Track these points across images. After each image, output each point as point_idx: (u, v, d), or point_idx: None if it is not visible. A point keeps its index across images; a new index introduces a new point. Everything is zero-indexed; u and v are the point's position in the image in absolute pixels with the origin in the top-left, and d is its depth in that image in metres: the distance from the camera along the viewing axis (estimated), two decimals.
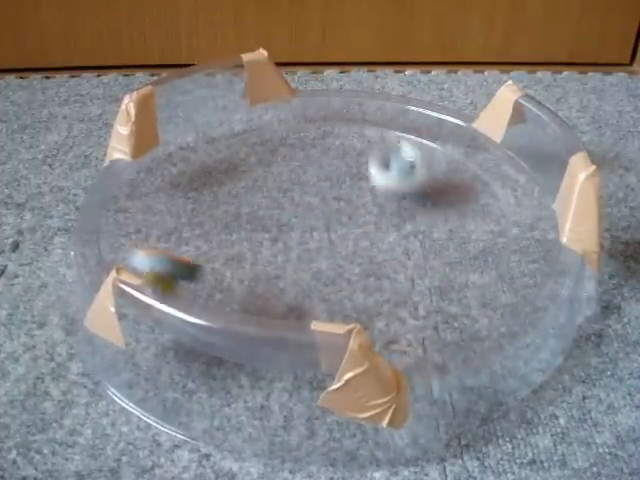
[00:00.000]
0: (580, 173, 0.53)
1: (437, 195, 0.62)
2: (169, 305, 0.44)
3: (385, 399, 0.41)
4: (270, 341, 0.42)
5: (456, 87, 0.86)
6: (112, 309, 0.45)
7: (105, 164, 0.65)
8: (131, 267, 0.48)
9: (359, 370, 0.40)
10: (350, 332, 0.39)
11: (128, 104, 0.63)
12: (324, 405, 0.41)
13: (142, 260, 0.48)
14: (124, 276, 0.45)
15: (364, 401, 0.41)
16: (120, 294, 0.45)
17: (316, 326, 0.40)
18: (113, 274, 0.45)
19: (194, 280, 0.51)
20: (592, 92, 0.85)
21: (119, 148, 0.64)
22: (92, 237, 0.55)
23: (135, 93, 0.64)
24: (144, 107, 0.64)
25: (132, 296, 0.45)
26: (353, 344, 0.39)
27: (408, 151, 0.61)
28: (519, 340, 0.49)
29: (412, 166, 0.60)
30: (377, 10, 0.88)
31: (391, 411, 0.41)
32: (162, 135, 0.67)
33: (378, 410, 0.41)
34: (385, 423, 0.41)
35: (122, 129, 0.64)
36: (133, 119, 0.63)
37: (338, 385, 0.40)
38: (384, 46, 0.90)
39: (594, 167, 0.53)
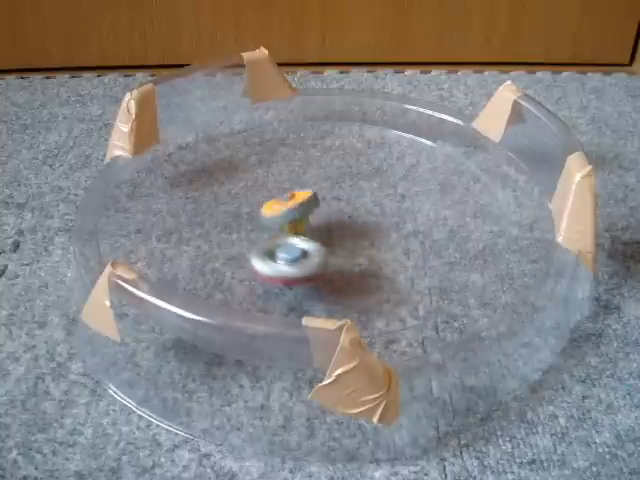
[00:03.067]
0: (576, 173, 0.53)
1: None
2: (163, 300, 0.44)
3: (376, 395, 0.41)
4: (263, 337, 0.43)
5: (456, 87, 0.86)
6: (107, 303, 0.45)
7: (106, 161, 0.65)
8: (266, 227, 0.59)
9: (350, 366, 0.40)
10: (341, 328, 0.39)
11: (129, 101, 0.64)
12: (315, 399, 0.42)
13: (273, 219, 0.57)
14: (120, 271, 0.45)
15: (355, 397, 0.41)
16: (116, 289, 0.45)
17: (308, 322, 0.40)
18: (109, 268, 0.45)
19: (317, 206, 0.59)
20: (592, 92, 0.85)
21: (120, 145, 0.64)
22: (92, 237, 0.55)
23: (136, 90, 0.64)
24: (145, 104, 0.64)
25: (127, 291, 0.45)
26: (344, 340, 0.39)
27: (298, 242, 0.55)
28: (518, 339, 0.49)
29: (302, 255, 0.54)
30: (377, 10, 0.88)
31: (382, 407, 0.41)
32: (162, 135, 0.68)
33: (369, 406, 0.41)
34: (376, 419, 0.41)
35: (123, 126, 0.64)
36: (134, 116, 0.63)
37: (329, 381, 0.40)
38: (384, 46, 0.90)
39: (590, 167, 0.53)
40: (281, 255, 0.53)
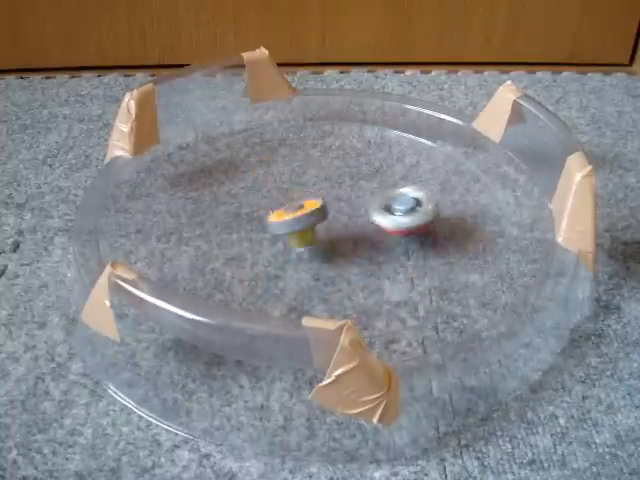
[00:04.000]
0: (576, 173, 0.53)
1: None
2: (163, 300, 0.44)
3: (376, 395, 0.41)
4: (263, 337, 0.43)
5: (456, 87, 0.86)
6: (107, 303, 0.45)
7: (106, 161, 0.65)
8: (271, 234, 0.58)
9: (350, 366, 0.40)
10: (341, 328, 0.39)
11: (129, 101, 0.64)
12: (315, 399, 0.42)
13: (278, 226, 0.56)
14: (119, 271, 0.45)
15: (355, 397, 0.41)
16: (116, 289, 0.45)
17: (308, 322, 0.40)
18: (108, 269, 0.45)
19: (325, 218, 0.57)
20: (592, 92, 0.85)
21: (120, 145, 0.64)
22: (92, 237, 0.55)
23: (136, 91, 0.64)
24: (145, 104, 0.64)
25: (127, 291, 0.45)
26: (344, 340, 0.39)
27: (410, 191, 0.59)
28: (518, 340, 0.49)
29: (417, 204, 0.58)
30: (377, 10, 0.88)
31: (382, 407, 0.41)
32: (162, 135, 0.68)
33: (369, 406, 0.41)
34: (376, 419, 0.41)
35: (123, 126, 0.64)
36: (134, 116, 0.63)
37: (329, 381, 0.40)
38: (384, 46, 0.90)
39: (590, 167, 0.53)
40: (397, 207, 0.58)
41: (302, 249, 0.59)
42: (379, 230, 0.58)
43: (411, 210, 0.57)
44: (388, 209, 0.58)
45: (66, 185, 0.68)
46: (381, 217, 0.57)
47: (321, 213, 0.57)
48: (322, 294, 0.56)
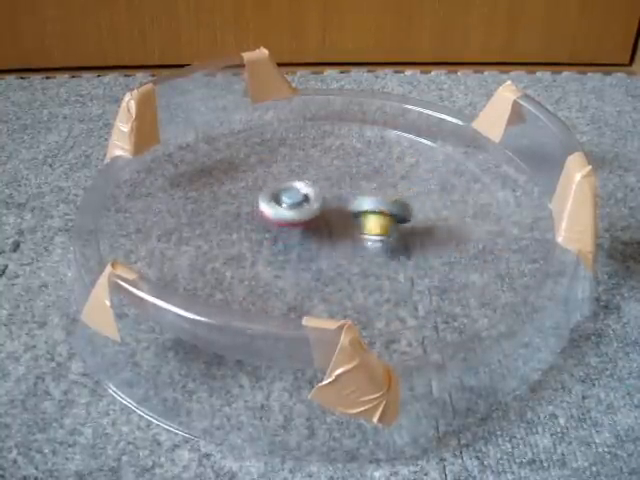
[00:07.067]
0: (576, 173, 0.53)
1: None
2: (163, 300, 0.44)
3: (376, 395, 0.41)
4: (263, 337, 0.43)
5: (456, 87, 0.86)
6: (107, 303, 0.45)
7: (106, 161, 0.65)
8: (354, 210, 0.59)
9: (350, 366, 0.40)
10: (341, 328, 0.39)
11: (129, 101, 0.64)
12: (315, 399, 0.42)
13: (363, 202, 0.58)
14: (120, 271, 0.45)
15: (355, 397, 0.41)
16: (116, 289, 0.45)
17: (308, 322, 0.40)
18: (109, 268, 0.45)
19: (408, 220, 0.59)
20: (592, 92, 0.85)
21: (120, 145, 0.64)
22: (92, 237, 0.55)
23: (136, 90, 0.64)
24: (145, 104, 0.64)
25: (127, 291, 0.45)
26: (344, 340, 0.39)
27: (300, 187, 0.61)
28: (518, 339, 0.49)
29: (304, 200, 0.60)
30: (377, 10, 0.88)
31: (382, 407, 0.41)
32: (162, 135, 0.68)
33: (369, 406, 0.41)
34: (376, 419, 0.41)
35: (123, 126, 0.64)
36: (134, 116, 0.63)
37: (329, 380, 0.40)
38: (384, 46, 0.90)
39: (590, 167, 0.53)
40: (285, 199, 0.59)
41: (374, 238, 0.58)
42: (265, 219, 0.59)
43: (297, 204, 0.59)
44: (277, 200, 0.59)
45: (66, 185, 0.68)
46: (267, 206, 0.59)
47: (407, 209, 0.58)
48: (322, 294, 0.56)
